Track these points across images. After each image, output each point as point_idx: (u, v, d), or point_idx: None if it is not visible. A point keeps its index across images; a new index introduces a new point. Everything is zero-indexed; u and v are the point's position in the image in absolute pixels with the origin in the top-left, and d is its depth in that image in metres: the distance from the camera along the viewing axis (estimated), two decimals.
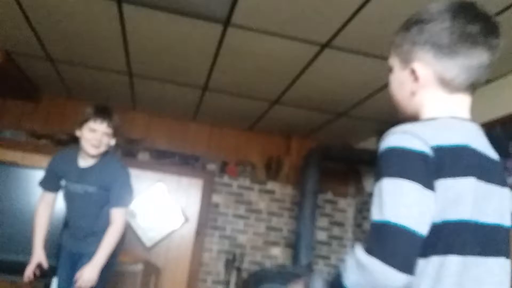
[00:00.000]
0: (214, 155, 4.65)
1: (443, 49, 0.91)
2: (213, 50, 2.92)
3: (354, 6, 2.19)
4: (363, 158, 4.16)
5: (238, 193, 4.50)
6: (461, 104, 0.94)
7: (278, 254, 4.48)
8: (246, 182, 4.53)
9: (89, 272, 2.25)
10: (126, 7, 2.50)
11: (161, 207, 4.35)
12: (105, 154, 2.44)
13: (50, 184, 2.50)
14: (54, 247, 2.71)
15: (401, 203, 0.78)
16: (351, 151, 4.38)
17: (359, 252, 0.79)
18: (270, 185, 4.58)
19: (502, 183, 0.90)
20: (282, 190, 4.59)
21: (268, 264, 4.42)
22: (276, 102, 3.82)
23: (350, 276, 0.81)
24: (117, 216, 2.37)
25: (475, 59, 0.90)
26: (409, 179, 0.79)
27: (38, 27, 2.91)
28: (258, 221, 4.49)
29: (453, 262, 0.80)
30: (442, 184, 0.81)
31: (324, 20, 2.36)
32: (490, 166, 0.88)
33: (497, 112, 2.72)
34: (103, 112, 2.37)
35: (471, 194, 0.82)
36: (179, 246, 4.35)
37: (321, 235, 4.53)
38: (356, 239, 4.51)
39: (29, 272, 2.37)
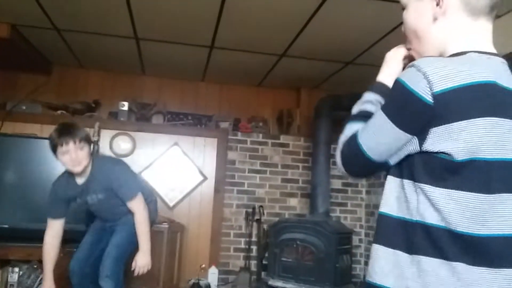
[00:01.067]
0: (226, 113, 4.71)
1: None
2: (217, 7, 2.91)
3: None
4: None
5: (252, 149, 4.58)
6: (485, 33, 0.91)
7: (296, 204, 4.61)
8: (259, 138, 4.60)
9: (142, 259, 2.55)
10: None
11: (179, 167, 4.47)
12: (93, 161, 2.56)
13: (56, 211, 2.63)
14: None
15: (371, 131, 0.93)
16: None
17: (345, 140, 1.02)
18: (283, 139, 4.65)
19: None
20: (295, 142, 4.66)
21: (286, 214, 4.56)
22: (283, 55, 3.82)
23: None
24: (135, 206, 2.59)
25: None
26: (390, 118, 0.88)
27: None
28: (274, 174, 4.59)
29: (478, 198, 0.83)
30: (447, 127, 0.82)
31: None
32: (509, 98, 0.85)
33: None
34: (65, 133, 2.41)
35: (492, 133, 0.82)
36: (200, 204, 4.50)
37: (336, 183, 4.63)
38: (370, 184, 4.61)
39: None
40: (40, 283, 3.47)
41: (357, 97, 1.17)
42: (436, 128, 0.82)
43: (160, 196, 4.37)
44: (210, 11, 2.99)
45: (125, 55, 4.03)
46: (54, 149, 2.42)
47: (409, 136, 0.87)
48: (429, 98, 0.82)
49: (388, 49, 1.16)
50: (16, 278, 3.48)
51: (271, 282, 3.85)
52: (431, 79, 0.82)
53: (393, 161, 0.93)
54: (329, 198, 4.21)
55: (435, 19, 0.93)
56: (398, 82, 0.89)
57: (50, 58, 4.25)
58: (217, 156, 4.56)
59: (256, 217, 4.40)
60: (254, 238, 4.42)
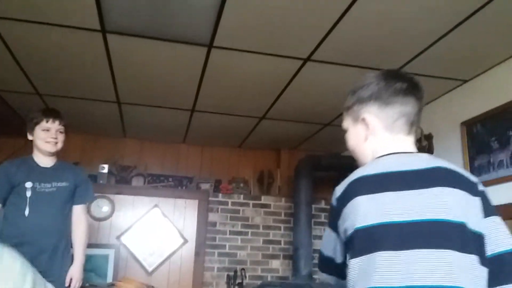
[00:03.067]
0: (207, 174, 4.72)
1: (384, 101, 1.16)
2: (199, 72, 3.01)
3: (332, 19, 2.30)
4: (352, 165, 4.25)
5: (233, 210, 4.55)
6: (402, 143, 1.16)
7: (278, 266, 4.53)
8: (241, 198, 4.59)
9: (79, 272, 2.46)
10: (111, 37, 2.57)
11: (159, 230, 4.38)
12: (59, 159, 2.57)
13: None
14: None
15: (323, 239, 1.23)
16: (339, 159, 4.47)
17: None
18: (264, 199, 4.64)
19: (428, 185, 1.03)
20: (276, 203, 4.66)
21: (269, 277, 4.46)
22: (263, 118, 3.92)
23: None
24: (83, 213, 2.57)
25: (409, 106, 1.16)
26: (327, 225, 1.19)
27: (24, 64, 2.97)
28: (256, 236, 4.54)
29: (382, 257, 0.98)
30: (342, 215, 1.08)
31: (304, 36, 2.47)
32: (411, 177, 1.05)
33: (477, 110, 2.84)
34: (52, 112, 2.51)
35: (364, 206, 1.03)
36: (180, 268, 4.37)
37: (318, 244, 4.58)
38: None
39: None
40: None
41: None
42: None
43: (139, 261, 4.24)
44: (192, 76, 3.08)
45: (106, 119, 4.06)
46: (35, 124, 2.44)
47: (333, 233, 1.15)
48: (335, 203, 1.12)
49: None
50: None
51: None
52: (338, 190, 1.12)
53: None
54: (311, 260, 4.15)
55: (365, 139, 1.20)
56: None
57: None
58: (198, 218, 4.50)
59: (238, 280, 4.29)
60: None
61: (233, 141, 4.71)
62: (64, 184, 2.49)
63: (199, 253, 4.39)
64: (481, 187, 1.07)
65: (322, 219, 4.69)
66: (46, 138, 2.44)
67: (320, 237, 4.53)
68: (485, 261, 0.97)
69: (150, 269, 4.27)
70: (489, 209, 1.03)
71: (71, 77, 3.17)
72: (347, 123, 1.26)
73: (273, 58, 2.75)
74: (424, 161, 1.09)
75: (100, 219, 4.16)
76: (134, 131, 4.45)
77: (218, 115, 3.89)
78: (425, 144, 3.17)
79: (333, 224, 1.13)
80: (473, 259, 0.96)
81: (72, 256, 2.53)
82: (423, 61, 2.71)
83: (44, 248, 2.38)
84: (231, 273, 4.32)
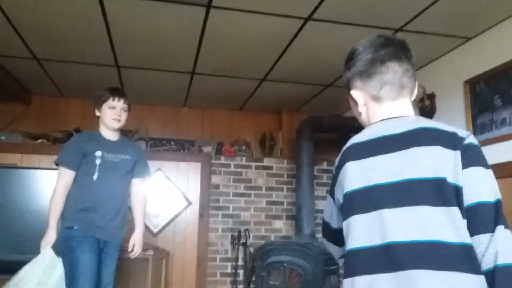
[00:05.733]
0: (209, 137, 4.73)
1: (364, 74, 1.20)
2: (198, 34, 2.96)
3: None
4: (353, 126, 4.24)
5: (236, 172, 4.59)
6: (391, 109, 1.19)
7: (281, 226, 4.61)
8: (243, 161, 4.62)
9: (140, 239, 2.77)
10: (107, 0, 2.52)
11: (163, 193, 4.44)
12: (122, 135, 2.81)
13: (73, 161, 2.58)
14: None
15: (324, 205, 1.32)
16: (341, 120, 4.47)
17: None
18: (266, 161, 4.67)
19: (406, 147, 1.08)
20: (278, 165, 4.69)
21: (272, 237, 4.55)
22: (264, 79, 3.88)
23: None
24: (145, 186, 2.86)
25: (389, 73, 1.17)
26: (328, 192, 1.28)
27: (20, 28, 2.93)
28: (259, 197, 4.59)
29: (355, 219, 1.09)
30: (338, 181, 1.18)
31: None
32: (392, 141, 1.11)
33: (480, 68, 2.81)
34: (118, 91, 2.73)
35: (352, 171, 1.12)
36: (185, 229, 4.46)
37: (321, 204, 4.65)
38: None
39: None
40: None
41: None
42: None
43: (144, 223, 4.31)
44: (191, 37, 3.03)
45: (106, 83, 4.00)
46: (102, 101, 2.65)
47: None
48: (335, 171, 1.22)
49: None
50: None
51: None
52: (340, 155, 1.20)
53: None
54: (314, 220, 4.22)
55: (359, 113, 1.27)
56: None
57: (29, 87, 4.23)
58: (201, 181, 4.54)
59: (242, 240, 4.38)
60: (240, 262, 4.39)
61: (234, 104, 4.68)
62: (127, 157, 2.71)
63: (203, 214, 4.46)
64: (467, 141, 1.06)
65: (324, 180, 4.73)
66: (112, 116, 2.64)
67: (322, 198, 4.60)
68: (464, 213, 1.01)
69: (155, 231, 4.36)
70: (469, 161, 1.03)
71: (68, 41, 3.12)
72: (347, 97, 1.31)
73: (273, 17, 2.70)
74: (408, 124, 1.12)
75: None
76: (134, 95, 4.40)
77: (219, 78, 3.85)
78: (427, 103, 3.15)
79: (331, 190, 1.23)
80: (454, 211, 1.00)
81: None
82: (426, 19, 2.65)
83: (108, 211, 2.60)
84: (235, 234, 4.40)
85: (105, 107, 2.66)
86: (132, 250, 2.75)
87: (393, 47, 1.19)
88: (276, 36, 2.98)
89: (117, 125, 2.68)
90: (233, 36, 2.99)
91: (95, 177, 2.57)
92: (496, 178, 1.06)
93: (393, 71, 1.17)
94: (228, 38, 3.02)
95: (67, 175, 2.56)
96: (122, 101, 2.68)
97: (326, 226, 1.31)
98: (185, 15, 2.70)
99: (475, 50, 2.90)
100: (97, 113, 2.71)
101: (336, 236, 1.26)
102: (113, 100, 2.66)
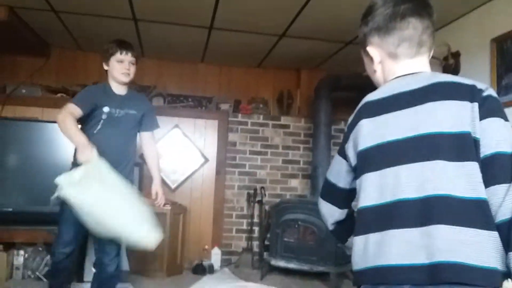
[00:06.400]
0: (226, 94, 4.70)
1: (382, 29, 1.15)
2: None
3: None
4: (372, 85, 4.16)
5: (253, 130, 4.59)
6: (408, 66, 1.15)
7: (297, 185, 4.64)
8: (260, 119, 4.60)
9: (160, 187, 2.77)
10: None
11: (180, 150, 4.48)
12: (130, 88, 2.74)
13: (84, 103, 2.48)
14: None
15: (330, 165, 1.30)
16: (360, 79, 4.36)
17: None
18: (284, 120, 4.65)
19: (422, 102, 1.05)
20: (295, 124, 4.66)
21: (288, 195, 4.59)
22: (283, 35, 3.79)
23: None
24: (152, 138, 2.82)
25: (409, 29, 1.13)
26: (337, 152, 1.25)
27: None
28: (275, 156, 4.61)
29: (369, 177, 1.08)
30: (350, 139, 1.16)
31: None
32: (408, 97, 1.08)
33: (509, 26, 2.68)
34: (125, 44, 2.64)
35: (366, 129, 1.10)
36: (202, 186, 4.53)
37: None
38: None
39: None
40: (45, 265, 3.52)
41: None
42: None
43: (162, 178, 4.38)
44: None
45: (123, 37, 3.95)
46: (110, 55, 2.58)
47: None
48: (347, 129, 1.20)
49: None
50: (22, 261, 3.53)
51: (273, 262, 3.90)
52: (356, 112, 1.18)
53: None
54: None
55: (374, 71, 1.22)
56: None
57: (48, 40, 4.22)
58: (218, 138, 4.57)
59: (258, 198, 4.43)
60: (256, 219, 4.46)
61: (252, 61, 4.61)
62: (132, 111, 2.65)
63: (220, 171, 4.51)
64: (486, 93, 1.02)
65: (341, 140, 4.70)
66: (121, 69, 2.58)
67: None
68: (481, 166, 0.98)
69: (173, 186, 4.44)
70: (487, 112, 1.00)
71: None
72: (361, 52, 1.27)
73: None
74: (425, 79, 1.09)
75: None
76: (152, 50, 4.38)
77: (236, 33, 3.78)
78: (451, 62, 3.05)
79: (341, 149, 1.21)
80: (473, 166, 0.97)
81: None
82: None
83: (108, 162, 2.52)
84: (251, 191, 4.46)
85: (113, 60, 2.59)
86: (156, 199, 2.77)
87: (414, 2, 1.14)
88: None
89: (126, 78, 2.62)
90: None
91: (95, 130, 2.53)
92: None
93: (414, 27, 1.13)
94: None
95: (73, 109, 2.41)
96: (130, 54, 2.61)
97: (330, 185, 1.27)
98: None
99: (504, 7, 2.76)
100: (105, 67, 2.64)
101: (341, 196, 1.25)
102: (121, 53, 2.59)
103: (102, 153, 2.45)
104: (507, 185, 0.95)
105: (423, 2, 1.15)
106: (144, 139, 2.79)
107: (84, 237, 2.64)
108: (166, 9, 3.32)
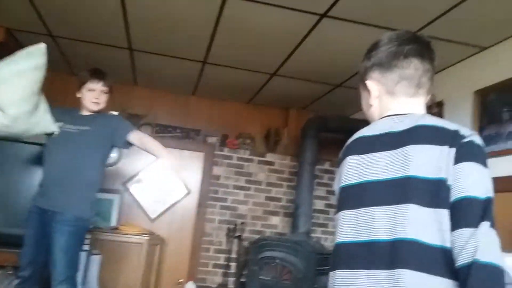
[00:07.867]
0: (215, 128, 4.74)
1: (384, 65, 1.18)
2: (213, 22, 2.96)
3: None
4: (359, 128, 4.24)
5: (238, 165, 4.60)
6: (404, 105, 1.17)
7: (278, 223, 4.62)
8: (246, 154, 4.63)
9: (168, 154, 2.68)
10: None
11: (164, 180, 4.45)
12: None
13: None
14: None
15: None
16: (347, 121, 4.46)
17: None
18: (269, 157, 4.68)
19: (403, 144, 1.06)
20: (281, 161, 4.70)
21: (268, 233, 4.56)
22: (274, 74, 3.88)
23: None
24: (139, 134, 2.72)
25: (410, 69, 1.16)
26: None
27: (38, 3, 2.94)
28: (258, 192, 4.60)
29: (346, 214, 1.12)
30: (338, 173, 1.21)
31: None
32: (392, 138, 1.10)
33: (492, 79, 2.80)
34: (98, 73, 2.66)
35: (350, 165, 1.14)
36: (182, 217, 4.47)
37: (319, 204, 4.66)
38: None
39: None
40: None
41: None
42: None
43: (143, 208, 4.34)
44: (205, 27, 3.04)
45: (118, 65, 4.04)
46: (82, 83, 2.61)
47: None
48: (339, 161, 1.24)
49: None
50: None
51: None
52: (343, 150, 1.24)
53: None
54: (311, 219, 4.22)
55: (370, 105, 1.24)
56: None
57: None
58: (202, 171, 4.56)
59: (237, 233, 4.39)
60: (234, 255, 4.40)
61: (243, 97, 4.69)
62: (86, 128, 2.58)
63: (201, 204, 4.48)
64: (468, 139, 1.02)
65: (325, 180, 4.73)
66: (91, 98, 2.60)
67: (321, 197, 4.61)
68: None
69: (153, 216, 4.38)
70: (462, 156, 0.99)
71: (84, 20, 3.14)
72: (360, 88, 1.30)
73: (289, 11, 2.70)
74: (412, 121, 1.09)
75: (107, 165, 4.21)
76: (145, 79, 4.43)
77: (229, 69, 3.86)
78: (435, 111, 3.14)
79: (335, 184, 1.24)
80: (444, 213, 0.97)
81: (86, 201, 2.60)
82: (442, 25, 2.65)
83: (55, 182, 2.50)
84: (231, 226, 4.42)
85: (84, 89, 2.61)
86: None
87: (419, 44, 1.17)
88: (290, 31, 2.97)
89: (96, 107, 2.62)
90: (248, 27, 2.99)
91: (50, 147, 2.56)
92: (499, 192, 1.03)
93: (415, 67, 1.15)
94: (242, 29, 3.02)
95: None
96: (101, 83, 2.62)
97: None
98: (201, 3, 2.70)
99: (488, 61, 2.89)
100: (78, 94, 2.65)
101: None
102: (92, 82, 2.60)
103: (53, 171, 2.50)
104: (472, 229, 0.93)
105: (427, 46, 1.19)
106: (135, 140, 2.70)
107: (43, 262, 2.50)
108: (162, 41, 3.39)
